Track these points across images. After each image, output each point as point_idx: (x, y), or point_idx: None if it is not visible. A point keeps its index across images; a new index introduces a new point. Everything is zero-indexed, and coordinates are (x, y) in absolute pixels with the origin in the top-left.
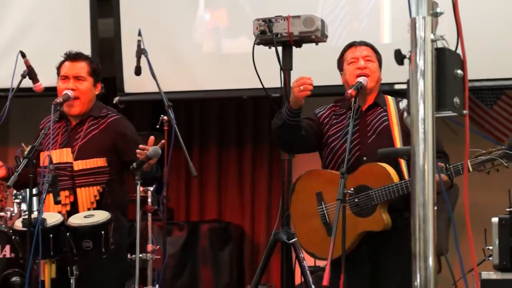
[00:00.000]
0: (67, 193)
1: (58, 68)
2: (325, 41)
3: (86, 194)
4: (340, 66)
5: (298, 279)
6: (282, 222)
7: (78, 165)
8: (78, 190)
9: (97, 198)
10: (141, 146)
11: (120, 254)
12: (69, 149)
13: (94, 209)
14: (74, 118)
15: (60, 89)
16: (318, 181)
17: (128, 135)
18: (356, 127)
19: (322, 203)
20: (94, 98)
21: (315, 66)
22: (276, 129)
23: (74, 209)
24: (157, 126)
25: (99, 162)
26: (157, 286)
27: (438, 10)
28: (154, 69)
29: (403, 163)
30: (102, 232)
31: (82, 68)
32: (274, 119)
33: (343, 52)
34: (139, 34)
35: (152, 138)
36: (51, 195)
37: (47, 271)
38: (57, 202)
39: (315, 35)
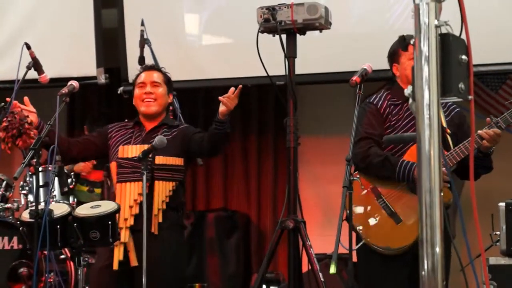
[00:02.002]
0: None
1: (134, 81)
2: (329, 28)
3: (162, 188)
4: (396, 59)
5: (305, 267)
6: (288, 210)
7: (160, 159)
8: (156, 182)
9: (171, 193)
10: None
11: (182, 250)
12: (150, 146)
13: (167, 204)
14: (148, 120)
15: (137, 95)
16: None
17: (192, 129)
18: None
19: (381, 196)
20: (166, 105)
21: (319, 53)
22: None
23: (149, 200)
24: None
25: (177, 161)
26: None
27: None
28: (158, 58)
29: (449, 137)
30: (109, 222)
31: (158, 76)
32: None
33: (400, 45)
34: (142, 24)
35: None
36: (128, 184)
37: (116, 254)
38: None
39: (319, 22)
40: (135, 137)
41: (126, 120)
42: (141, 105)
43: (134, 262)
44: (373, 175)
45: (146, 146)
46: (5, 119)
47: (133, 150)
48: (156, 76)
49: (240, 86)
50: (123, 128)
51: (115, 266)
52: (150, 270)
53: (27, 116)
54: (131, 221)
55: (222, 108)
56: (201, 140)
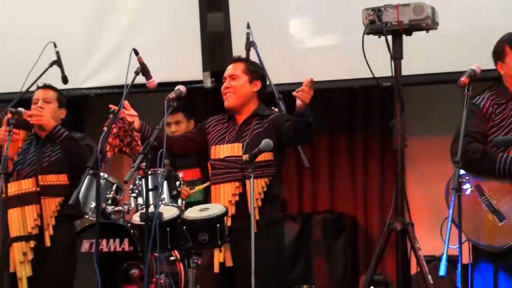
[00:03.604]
0: (237, 184)
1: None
2: (435, 28)
3: (254, 186)
4: (502, 57)
5: (413, 269)
6: (396, 211)
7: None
8: (247, 181)
9: (265, 189)
10: None
11: (281, 246)
12: (240, 144)
13: (262, 200)
14: (237, 113)
15: (222, 90)
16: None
17: (282, 116)
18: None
19: (484, 193)
20: (253, 94)
21: (426, 53)
22: None
23: (243, 200)
24: None
25: (267, 156)
26: None
27: None
28: (264, 61)
29: None
30: (218, 225)
31: (237, 67)
32: None
33: (508, 43)
34: (248, 27)
35: None
36: (221, 185)
37: (216, 256)
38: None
39: (425, 22)
40: (229, 132)
41: (223, 114)
42: (224, 99)
43: (229, 262)
44: (475, 172)
45: (236, 146)
46: (114, 125)
47: (224, 150)
48: (235, 67)
49: (312, 78)
50: (219, 123)
51: (216, 269)
52: (249, 269)
53: (133, 122)
54: (228, 222)
55: (298, 102)
56: (288, 130)
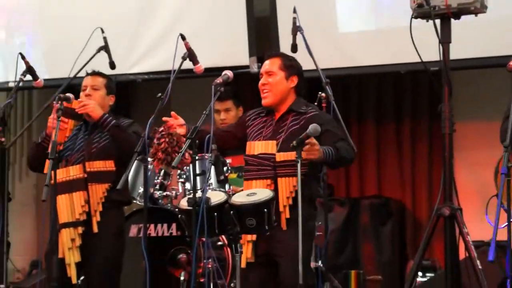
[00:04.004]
0: (268, 181)
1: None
2: (484, 12)
3: (286, 184)
4: None
5: (462, 254)
6: (444, 197)
7: (280, 156)
8: (278, 179)
9: (296, 188)
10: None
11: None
12: (274, 142)
13: (293, 199)
14: (274, 108)
15: (259, 86)
16: None
17: (326, 122)
18: None
19: None
20: (289, 90)
21: (473, 38)
22: None
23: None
24: (315, 103)
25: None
26: (319, 262)
27: None
28: (310, 45)
29: None
30: (265, 210)
31: (273, 63)
32: None
33: None
34: (294, 11)
35: None
36: (253, 182)
37: (244, 251)
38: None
39: (474, 6)
40: (267, 127)
41: (262, 108)
42: (262, 97)
43: (251, 259)
44: None
45: (270, 143)
46: (163, 140)
47: (259, 147)
48: (271, 63)
49: (313, 139)
50: (258, 117)
51: (243, 264)
52: (280, 263)
53: (182, 137)
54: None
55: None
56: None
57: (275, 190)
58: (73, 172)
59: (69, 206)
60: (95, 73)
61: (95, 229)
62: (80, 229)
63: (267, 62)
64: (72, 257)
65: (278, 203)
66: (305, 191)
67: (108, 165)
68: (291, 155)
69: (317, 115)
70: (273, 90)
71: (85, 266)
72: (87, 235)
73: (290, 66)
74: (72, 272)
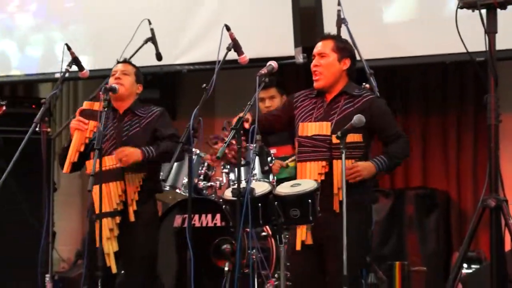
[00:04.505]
0: (323, 163)
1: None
2: None
3: (341, 166)
4: None
5: (508, 246)
6: (489, 188)
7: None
8: (334, 161)
9: (354, 169)
10: None
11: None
12: (328, 123)
13: (347, 182)
14: (326, 91)
15: (311, 67)
16: None
17: (382, 113)
18: None
19: None
20: (342, 73)
21: None
22: None
23: (329, 179)
24: None
25: (355, 137)
26: None
27: None
28: (355, 37)
29: None
30: (309, 200)
31: (326, 45)
32: None
33: None
34: (339, 4)
35: None
36: (308, 163)
37: (299, 234)
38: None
39: None
40: (317, 108)
41: (311, 89)
42: (313, 79)
43: (309, 240)
44: None
45: (325, 124)
46: (228, 151)
47: (312, 128)
48: (324, 45)
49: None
50: (307, 98)
51: (298, 247)
52: (329, 248)
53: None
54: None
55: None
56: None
57: (330, 172)
58: (109, 162)
59: (105, 196)
60: (125, 61)
61: (132, 218)
62: (117, 219)
63: (319, 44)
64: (110, 247)
65: (332, 185)
66: None
67: None
68: (348, 137)
69: (375, 99)
70: (325, 72)
71: (122, 255)
72: (123, 224)
73: (343, 48)
74: (111, 261)
